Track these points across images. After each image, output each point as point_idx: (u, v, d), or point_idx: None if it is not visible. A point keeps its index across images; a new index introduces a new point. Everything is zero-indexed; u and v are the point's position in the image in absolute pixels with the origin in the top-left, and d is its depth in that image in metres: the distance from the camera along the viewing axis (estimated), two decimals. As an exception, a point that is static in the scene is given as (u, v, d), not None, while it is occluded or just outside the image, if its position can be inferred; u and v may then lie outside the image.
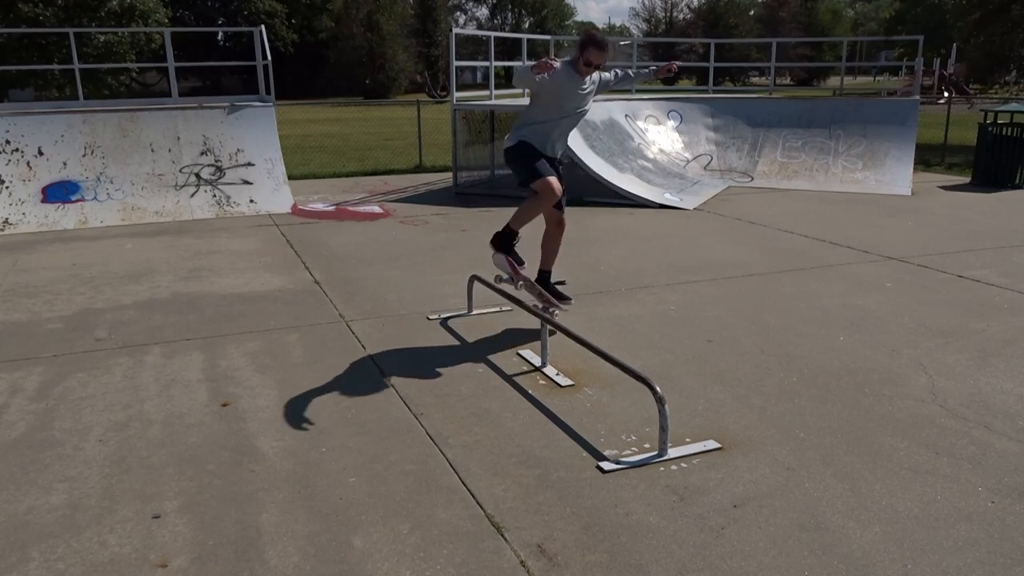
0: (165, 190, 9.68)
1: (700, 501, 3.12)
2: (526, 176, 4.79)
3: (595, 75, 4.90)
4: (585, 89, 4.83)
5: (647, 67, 5.24)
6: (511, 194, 10.86)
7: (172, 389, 4.29)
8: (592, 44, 4.63)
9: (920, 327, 5.19)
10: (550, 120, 4.79)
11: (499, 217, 9.60)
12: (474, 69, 52.40)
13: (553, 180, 4.72)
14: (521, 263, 5.00)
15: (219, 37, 48.66)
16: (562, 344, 4.51)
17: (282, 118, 12.29)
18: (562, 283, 5.24)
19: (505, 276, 5.04)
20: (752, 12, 63.69)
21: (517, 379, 4.39)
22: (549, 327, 4.51)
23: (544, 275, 5.16)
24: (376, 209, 10.12)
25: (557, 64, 4.50)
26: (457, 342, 5.01)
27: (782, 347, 4.84)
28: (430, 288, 6.24)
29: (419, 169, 14.13)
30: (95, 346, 5.01)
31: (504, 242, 4.96)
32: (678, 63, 5.25)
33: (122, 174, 9.58)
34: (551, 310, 4.99)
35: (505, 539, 2.89)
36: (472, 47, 48.86)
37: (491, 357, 4.72)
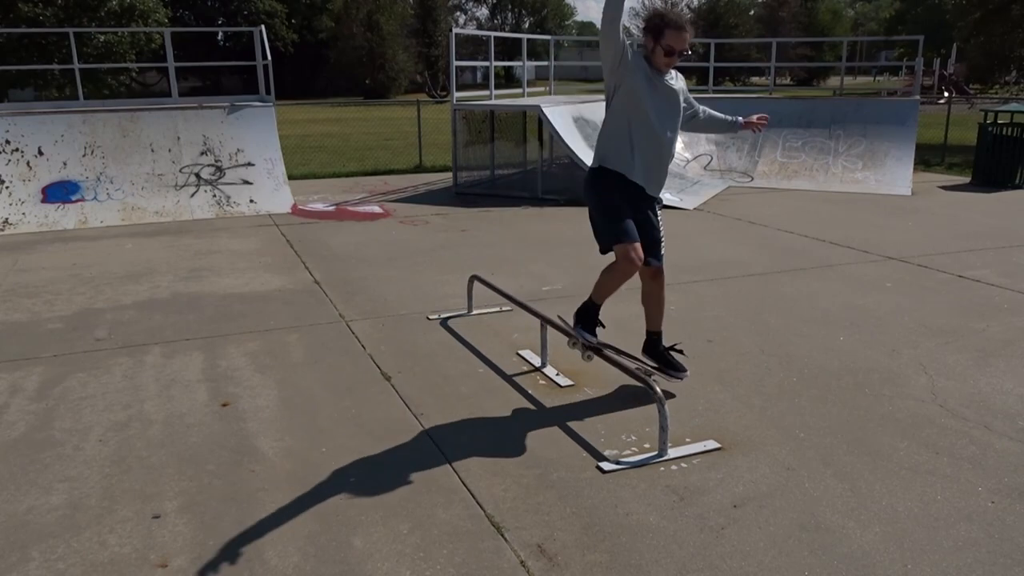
0: (165, 190, 9.68)
1: (700, 501, 3.12)
2: (603, 235, 3.86)
3: (679, 78, 3.90)
4: (671, 90, 3.80)
5: (735, 119, 4.25)
6: (511, 194, 10.89)
7: (172, 389, 4.29)
8: (669, 26, 3.63)
9: (920, 327, 5.19)
10: (635, 133, 3.76)
11: (500, 217, 9.67)
12: (474, 69, 52.41)
13: (635, 248, 3.73)
14: (593, 336, 4.07)
15: (219, 37, 48.65)
16: (562, 344, 4.50)
17: (282, 118, 12.29)
18: (677, 350, 4.26)
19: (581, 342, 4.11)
20: (752, 12, 63.65)
21: (517, 379, 4.39)
22: (549, 327, 4.51)
23: (653, 338, 4.23)
24: (376, 209, 10.12)
25: None
26: (457, 342, 5.01)
27: (782, 347, 4.84)
28: (430, 288, 6.24)
29: (419, 169, 14.13)
30: (95, 346, 5.01)
31: (584, 317, 4.05)
32: (767, 119, 4.30)
33: (122, 174, 9.59)
34: (652, 377, 4.00)
35: (505, 539, 2.89)
36: (472, 47, 48.83)
37: (491, 357, 4.72)
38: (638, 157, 3.78)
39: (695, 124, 4.19)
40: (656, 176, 3.90)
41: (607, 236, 3.83)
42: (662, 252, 4.03)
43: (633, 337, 5.04)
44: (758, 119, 4.25)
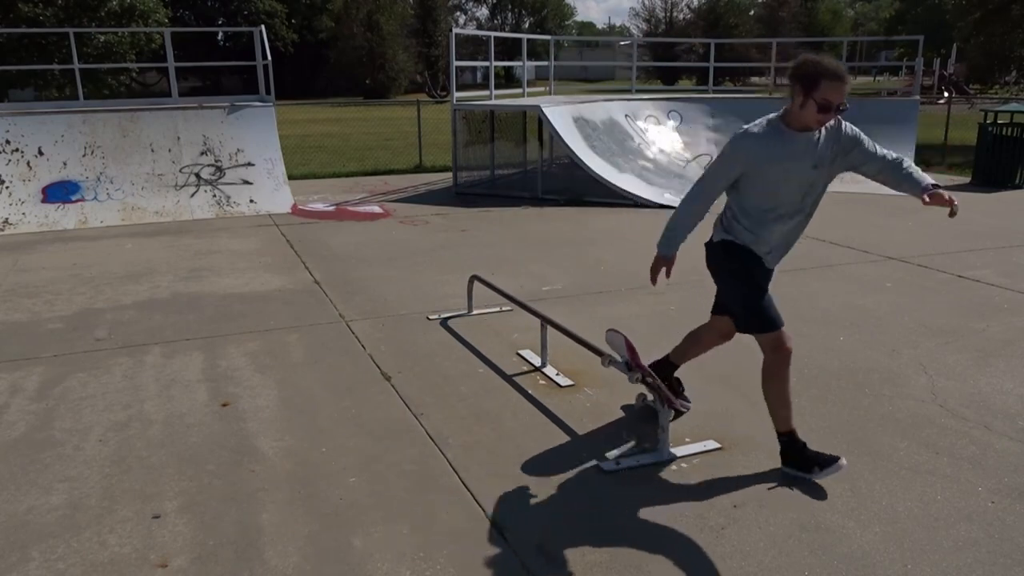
0: (165, 190, 9.68)
1: (700, 501, 3.12)
2: (746, 318, 3.41)
3: (835, 128, 3.15)
4: (816, 152, 3.11)
5: (923, 186, 3.27)
6: (511, 194, 10.89)
7: (172, 389, 4.29)
8: (825, 76, 2.93)
9: (920, 327, 5.19)
10: (771, 216, 3.24)
11: (500, 217, 9.67)
12: (474, 69, 52.40)
13: (786, 336, 3.29)
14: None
15: (219, 37, 48.64)
16: (562, 344, 4.50)
17: (282, 118, 12.29)
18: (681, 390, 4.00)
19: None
20: (752, 12, 63.66)
21: (517, 379, 4.39)
22: (549, 327, 4.51)
23: (670, 367, 3.99)
24: (376, 209, 10.12)
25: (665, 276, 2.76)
26: (457, 342, 5.01)
27: (782, 347, 4.83)
28: (430, 288, 6.24)
29: (419, 169, 14.13)
30: (95, 346, 5.01)
31: (798, 456, 3.34)
32: (955, 204, 3.27)
33: (122, 174, 9.59)
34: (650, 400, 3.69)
35: (505, 539, 2.89)
36: (472, 47, 48.78)
37: (491, 357, 4.72)
38: (774, 239, 3.33)
39: (873, 176, 3.33)
40: (785, 253, 3.44)
41: (753, 321, 3.37)
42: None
43: (631, 336, 5.04)
44: (949, 203, 3.26)
